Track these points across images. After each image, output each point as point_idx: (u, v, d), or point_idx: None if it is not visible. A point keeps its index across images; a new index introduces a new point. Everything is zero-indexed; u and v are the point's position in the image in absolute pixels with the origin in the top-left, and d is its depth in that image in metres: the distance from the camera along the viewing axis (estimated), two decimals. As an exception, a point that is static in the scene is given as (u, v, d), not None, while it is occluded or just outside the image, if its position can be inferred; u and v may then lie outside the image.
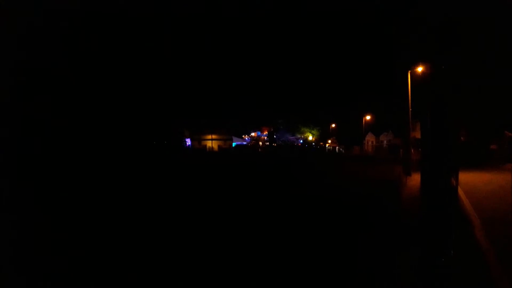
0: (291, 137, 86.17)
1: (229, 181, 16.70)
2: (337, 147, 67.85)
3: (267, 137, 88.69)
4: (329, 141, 72.79)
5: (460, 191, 10.46)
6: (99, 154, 29.72)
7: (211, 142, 70.15)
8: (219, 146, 70.19)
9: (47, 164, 20.70)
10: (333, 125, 71.84)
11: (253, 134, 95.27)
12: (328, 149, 69.32)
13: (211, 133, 70.10)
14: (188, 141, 71.67)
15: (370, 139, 64.68)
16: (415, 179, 14.84)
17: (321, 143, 75.95)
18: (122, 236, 7.00)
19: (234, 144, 75.82)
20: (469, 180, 14.93)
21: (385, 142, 60.32)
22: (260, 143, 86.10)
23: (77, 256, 5.76)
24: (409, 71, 19.82)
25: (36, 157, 20.42)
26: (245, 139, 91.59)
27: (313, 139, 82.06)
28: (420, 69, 19.28)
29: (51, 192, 12.44)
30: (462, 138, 35.34)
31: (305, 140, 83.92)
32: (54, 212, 9.28)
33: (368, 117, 61.07)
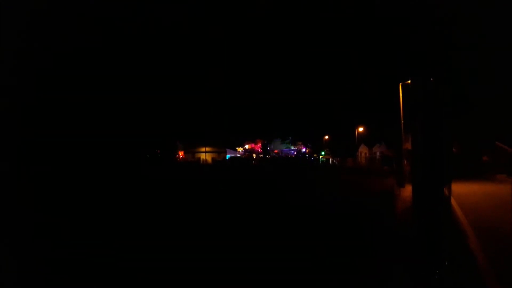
0: (285, 149, 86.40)
1: (223, 192, 16.55)
2: (330, 159, 68.06)
3: (261, 149, 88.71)
4: (323, 153, 73.07)
5: (453, 201, 10.48)
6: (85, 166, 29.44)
7: (205, 155, 69.93)
8: (212, 159, 69.91)
9: (47, 171, 20.76)
10: (326, 137, 72.13)
11: (247, 146, 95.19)
12: (322, 161, 69.50)
13: (205, 146, 69.95)
14: (181, 154, 71.39)
15: (363, 150, 64.99)
16: (409, 190, 14.85)
17: (315, 155, 76.17)
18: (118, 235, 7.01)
19: (228, 156, 75.59)
20: (462, 191, 15.00)
21: (378, 153, 60.61)
22: (254, 155, 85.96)
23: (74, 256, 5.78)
24: (401, 84, 20.01)
25: (36, 166, 20.42)
26: (239, 151, 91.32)
27: (308, 151, 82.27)
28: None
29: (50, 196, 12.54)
30: (454, 149, 35.62)
31: (299, 151, 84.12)
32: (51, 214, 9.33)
33: (360, 129, 61.50)
